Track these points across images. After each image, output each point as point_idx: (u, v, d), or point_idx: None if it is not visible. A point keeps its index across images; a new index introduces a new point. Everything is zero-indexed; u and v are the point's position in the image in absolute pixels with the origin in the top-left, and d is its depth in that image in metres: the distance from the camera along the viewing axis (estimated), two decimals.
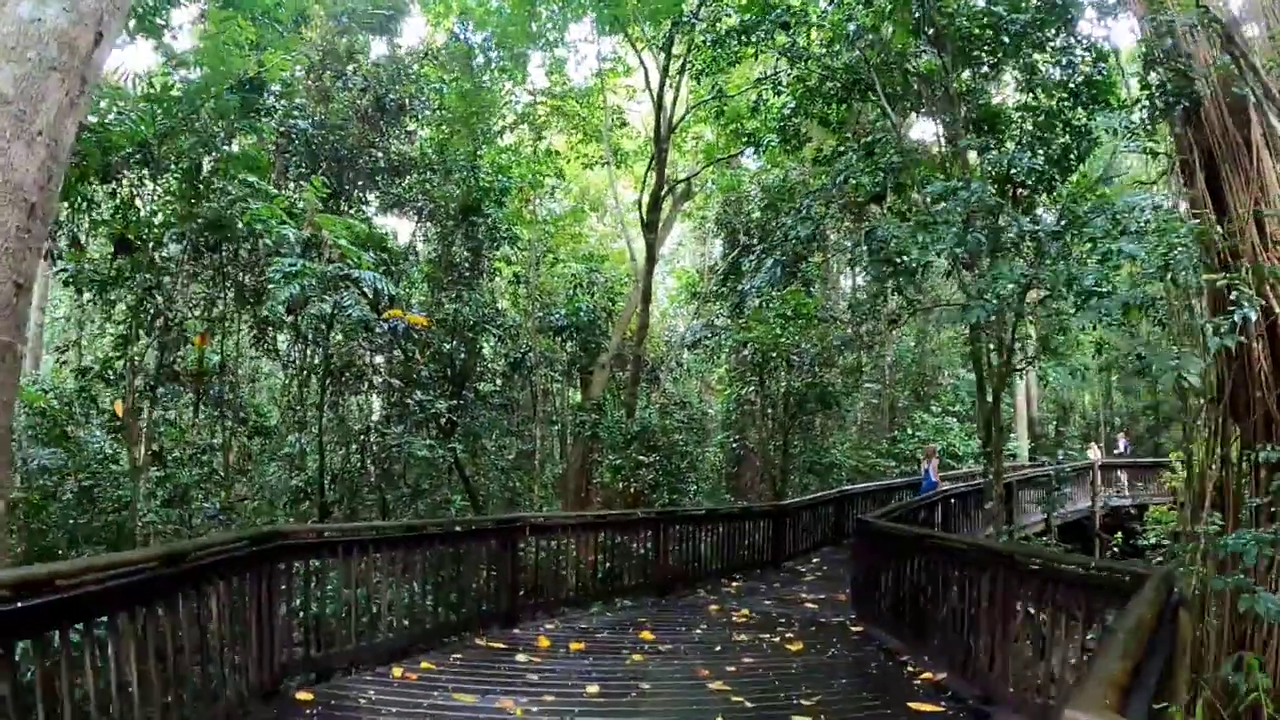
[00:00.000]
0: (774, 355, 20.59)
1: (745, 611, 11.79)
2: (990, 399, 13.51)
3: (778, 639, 10.05)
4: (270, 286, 10.47)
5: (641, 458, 19.64)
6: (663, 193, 21.09)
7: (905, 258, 12.95)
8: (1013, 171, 12.99)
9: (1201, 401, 12.15)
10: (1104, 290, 9.78)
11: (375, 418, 22.08)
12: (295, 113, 16.23)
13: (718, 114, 23.20)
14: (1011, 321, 11.72)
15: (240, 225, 10.81)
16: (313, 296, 11.25)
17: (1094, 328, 19.69)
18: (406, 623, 8.92)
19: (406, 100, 18.08)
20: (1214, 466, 11.63)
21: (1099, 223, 10.15)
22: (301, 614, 7.82)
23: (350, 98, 17.84)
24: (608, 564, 12.44)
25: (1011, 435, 37.41)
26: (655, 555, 13.05)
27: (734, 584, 14.46)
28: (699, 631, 10.42)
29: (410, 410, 19.00)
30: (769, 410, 22.64)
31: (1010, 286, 10.74)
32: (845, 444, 28.36)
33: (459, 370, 21.31)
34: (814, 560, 17.62)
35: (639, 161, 27.56)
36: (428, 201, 18.72)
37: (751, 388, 22.40)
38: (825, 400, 23.19)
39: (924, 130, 24.00)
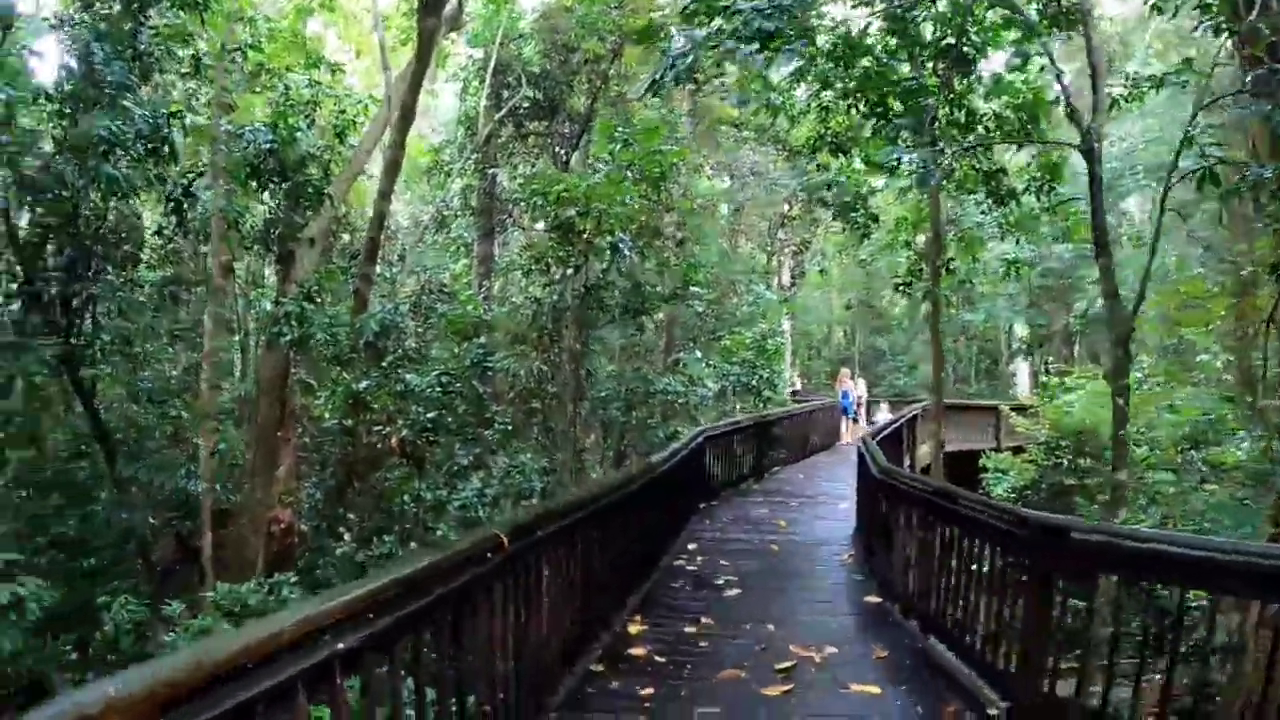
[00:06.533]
0: (606, 229, 13.17)
1: None
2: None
3: None
4: None
5: (409, 377, 11.78)
6: None
7: None
8: None
9: None
10: None
11: None
12: None
13: None
14: None
15: None
16: None
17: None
18: None
19: None
20: None
21: None
22: None
23: None
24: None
25: (782, 369, 32.44)
26: (521, 621, 5.38)
27: (637, 626, 7.28)
28: None
29: None
30: (569, 314, 15.04)
31: None
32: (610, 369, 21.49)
33: (92, 224, 12.58)
34: (692, 551, 10.71)
35: None
36: None
37: (556, 275, 14.52)
38: (641, 306, 16.14)
39: None
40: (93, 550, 13.27)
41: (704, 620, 7.50)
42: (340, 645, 3.11)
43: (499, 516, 12.21)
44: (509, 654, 4.97)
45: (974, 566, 6.27)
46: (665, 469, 10.17)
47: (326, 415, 15.15)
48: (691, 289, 18.17)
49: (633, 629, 7.26)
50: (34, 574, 12.08)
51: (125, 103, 11.21)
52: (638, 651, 6.69)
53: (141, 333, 15.79)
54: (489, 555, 4.58)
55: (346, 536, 13.88)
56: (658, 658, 6.55)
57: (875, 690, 5.85)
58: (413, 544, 12.42)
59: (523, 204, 16.52)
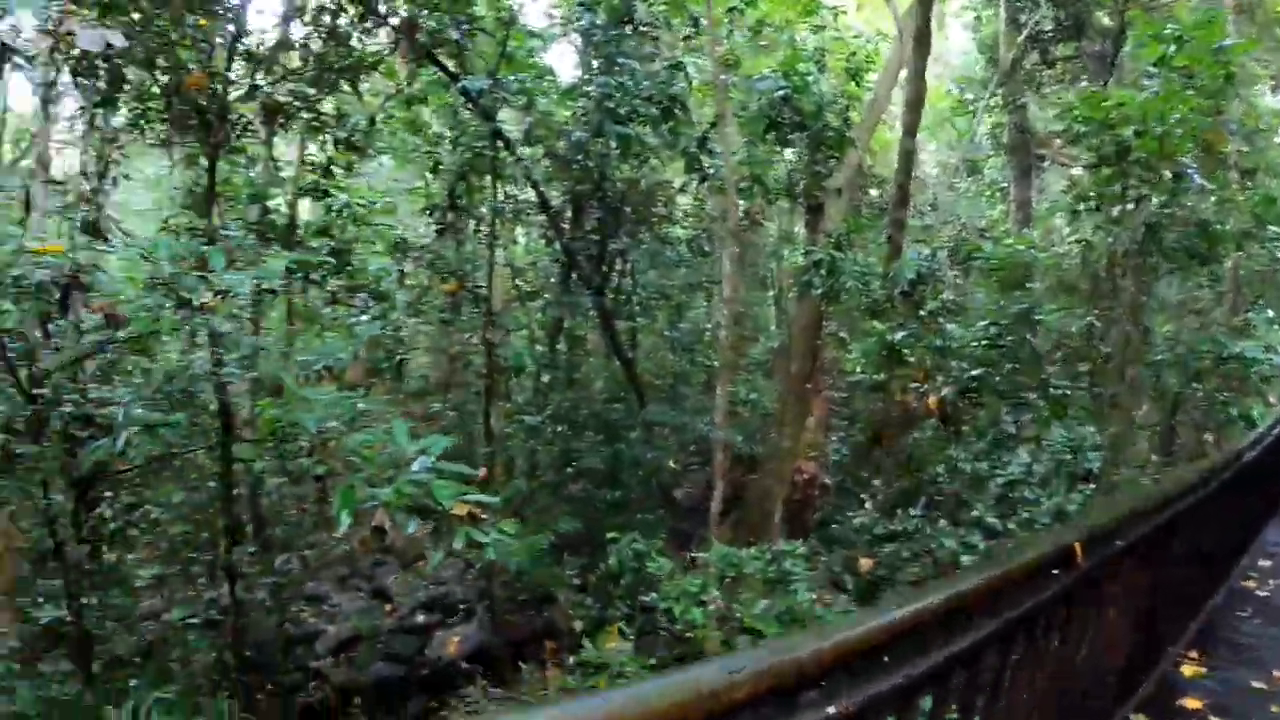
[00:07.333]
0: (1169, 152, 11.09)
1: None
2: None
3: None
4: None
5: (950, 328, 10.95)
6: None
7: None
8: None
9: None
10: None
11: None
12: None
13: None
14: None
15: None
16: None
17: None
18: None
19: None
20: None
21: None
22: None
23: None
24: None
25: None
26: (1070, 658, 4.17)
27: (1192, 667, 5.91)
28: None
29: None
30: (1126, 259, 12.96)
31: None
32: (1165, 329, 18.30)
33: (617, 188, 13.30)
34: (1265, 570, 8.65)
35: None
36: None
37: (1113, 212, 12.49)
38: (1209, 250, 13.44)
39: None
40: (618, 484, 14.21)
41: (1276, 674, 5.88)
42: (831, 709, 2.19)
43: (1046, 500, 10.87)
44: (1051, 700, 3.81)
45: None
46: (1250, 459, 8.21)
47: (857, 369, 14.71)
48: (1270, 229, 15.01)
49: (1186, 670, 5.87)
50: (562, 501, 13.46)
51: (622, 60, 11.61)
52: (1190, 704, 5.33)
53: (679, 287, 16.53)
54: (1055, 571, 3.45)
55: (868, 505, 13.36)
56: (1213, 718, 5.18)
57: None
58: (941, 521, 11.46)
59: (1059, 138, 14.65)
